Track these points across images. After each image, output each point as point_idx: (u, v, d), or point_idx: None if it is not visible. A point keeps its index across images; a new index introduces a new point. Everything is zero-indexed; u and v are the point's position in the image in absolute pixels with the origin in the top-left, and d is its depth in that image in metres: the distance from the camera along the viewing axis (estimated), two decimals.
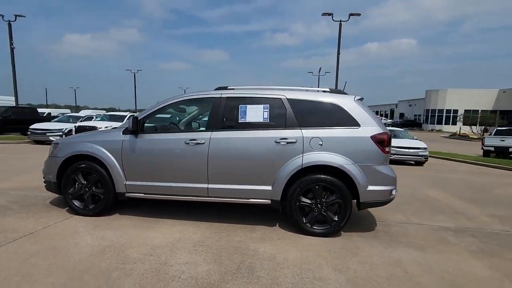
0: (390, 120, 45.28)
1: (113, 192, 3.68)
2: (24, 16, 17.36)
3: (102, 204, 3.74)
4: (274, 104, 3.57)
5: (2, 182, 5.32)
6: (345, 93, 3.68)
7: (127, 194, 3.69)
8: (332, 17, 15.48)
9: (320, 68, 28.75)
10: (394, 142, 11.53)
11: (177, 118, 5.01)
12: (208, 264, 2.64)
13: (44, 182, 3.98)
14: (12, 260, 2.58)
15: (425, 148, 11.03)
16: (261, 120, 3.53)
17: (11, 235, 3.08)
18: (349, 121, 3.42)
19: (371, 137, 3.34)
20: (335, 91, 3.69)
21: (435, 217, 4.38)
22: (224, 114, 3.60)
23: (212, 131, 3.56)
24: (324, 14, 15.44)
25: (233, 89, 3.80)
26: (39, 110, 21.57)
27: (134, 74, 36.37)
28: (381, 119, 49.40)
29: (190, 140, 3.53)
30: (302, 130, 3.43)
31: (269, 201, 3.45)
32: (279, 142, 3.40)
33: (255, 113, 3.56)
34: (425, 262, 2.86)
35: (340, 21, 15.58)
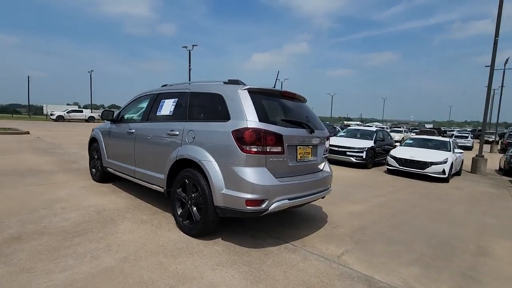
0: None
1: (102, 166, 5.02)
2: (197, 45, 23.65)
3: (99, 175, 5.16)
4: (181, 98, 3.70)
5: None
6: (240, 84, 3.22)
7: (107, 169, 4.91)
8: None
9: (507, 60, 20.56)
10: None
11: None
12: (75, 221, 3.31)
13: None
14: (18, 191, 4.32)
15: None
16: (167, 113, 3.77)
17: (44, 182, 4.99)
18: (223, 114, 3.05)
19: (231, 132, 2.84)
20: (231, 81, 3.30)
21: (394, 265, 2.87)
22: (152, 108, 4.10)
23: (140, 123, 4.15)
24: None
25: (171, 85, 4.20)
26: None
27: (282, 83, 40.43)
28: None
29: (129, 129, 4.28)
30: (186, 122, 3.39)
31: (162, 189, 3.63)
32: (168, 134, 3.53)
33: (167, 107, 3.83)
34: (209, 283, 2.23)
35: None
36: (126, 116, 4.73)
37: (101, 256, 2.62)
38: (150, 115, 4.08)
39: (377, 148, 10.74)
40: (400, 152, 9.56)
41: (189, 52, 24.09)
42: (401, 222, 4.34)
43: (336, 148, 10.35)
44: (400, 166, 9.11)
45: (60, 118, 32.60)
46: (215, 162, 2.94)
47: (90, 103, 48.24)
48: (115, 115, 4.82)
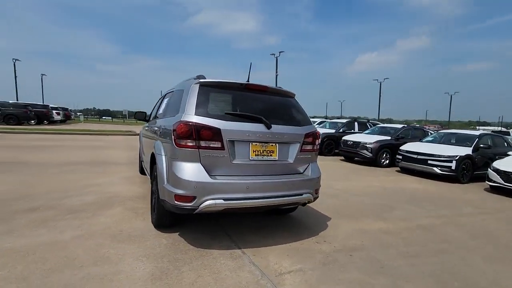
0: None
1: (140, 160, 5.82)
2: (284, 51, 24.08)
3: (140, 167, 6.00)
4: (169, 97, 3.92)
5: None
6: (201, 78, 3.12)
7: (142, 162, 5.64)
8: None
9: None
10: None
11: None
12: (85, 203, 3.99)
13: None
14: (75, 176, 5.49)
15: None
16: (161, 111, 4.05)
17: (101, 171, 6.16)
18: (178, 108, 3.05)
19: (172, 125, 2.82)
20: (198, 77, 3.24)
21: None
22: (159, 107, 4.49)
23: (153, 120, 4.60)
24: None
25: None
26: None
27: (380, 83, 36.10)
28: None
29: (146, 127, 4.81)
30: (162, 119, 3.56)
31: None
32: (154, 131, 3.80)
33: (163, 106, 4.14)
34: (116, 270, 2.25)
35: None
36: (152, 116, 5.34)
37: (66, 231, 3.06)
38: (157, 113, 4.48)
39: (477, 158, 8.29)
40: (509, 163, 7.08)
41: (276, 59, 24.92)
42: (431, 252, 3.21)
43: (414, 156, 8.58)
44: (505, 182, 6.75)
45: None
46: (163, 156, 2.98)
47: None
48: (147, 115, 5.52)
